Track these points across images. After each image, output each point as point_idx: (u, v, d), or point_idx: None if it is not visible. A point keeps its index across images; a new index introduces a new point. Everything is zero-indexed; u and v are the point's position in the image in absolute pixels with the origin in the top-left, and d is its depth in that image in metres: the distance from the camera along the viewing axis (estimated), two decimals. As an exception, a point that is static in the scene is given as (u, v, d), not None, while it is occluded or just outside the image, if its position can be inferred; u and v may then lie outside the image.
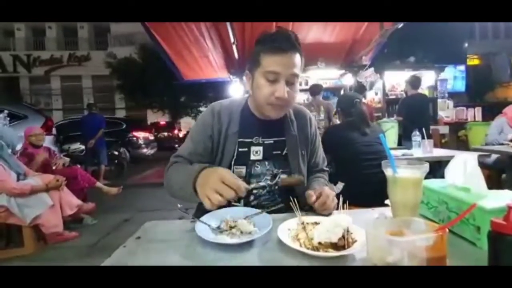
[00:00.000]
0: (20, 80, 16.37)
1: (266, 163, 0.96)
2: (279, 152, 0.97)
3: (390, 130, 2.99)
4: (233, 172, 0.93)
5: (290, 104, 0.92)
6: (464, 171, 0.68)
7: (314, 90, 3.84)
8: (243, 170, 0.94)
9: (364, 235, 0.57)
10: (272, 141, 0.97)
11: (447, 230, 0.47)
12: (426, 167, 0.60)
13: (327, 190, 0.83)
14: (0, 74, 16.05)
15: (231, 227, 0.72)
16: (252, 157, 0.95)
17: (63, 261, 2.23)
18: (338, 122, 2.88)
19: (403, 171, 0.62)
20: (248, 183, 0.94)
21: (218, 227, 0.73)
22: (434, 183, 0.74)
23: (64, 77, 16.60)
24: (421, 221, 0.53)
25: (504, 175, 2.59)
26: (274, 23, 4.17)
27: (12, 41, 16.51)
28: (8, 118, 3.27)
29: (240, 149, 0.94)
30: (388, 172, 0.63)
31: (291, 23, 4.14)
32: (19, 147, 2.94)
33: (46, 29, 16.77)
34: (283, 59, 0.83)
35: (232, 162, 0.93)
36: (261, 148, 0.95)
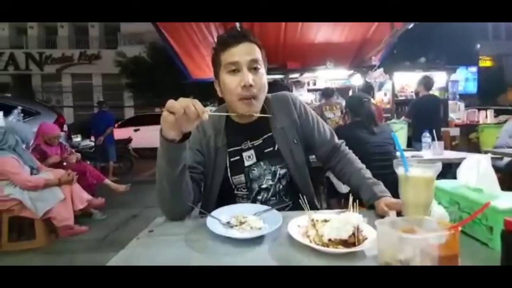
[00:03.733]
0: (32, 78, 16.71)
1: (262, 163, 0.95)
2: (271, 148, 0.96)
3: (399, 131, 2.96)
4: (232, 182, 0.95)
5: (259, 94, 0.88)
6: (477, 172, 0.67)
7: (327, 92, 3.99)
8: (242, 178, 0.95)
9: (375, 233, 0.57)
10: (261, 141, 0.96)
11: (459, 228, 0.47)
12: (438, 166, 0.60)
13: (390, 200, 0.80)
14: (13, 71, 16.40)
15: (241, 223, 0.72)
16: (247, 163, 0.95)
17: (73, 254, 2.28)
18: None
19: (415, 170, 0.62)
20: (251, 190, 0.95)
21: (228, 223, 0.74)
22: (445, 184, 0.73)
23: (75, 75, 16.87)
24: (433, 220, 0.53)
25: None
26: (283, 23, 4.19)
27: (25, 39, 16.85)
28: (22, 114, 3.35)
29: (232, 159, 0.95)
30: (400, 171, 0.63)
31: (300, 23, 4.14)
32: (33, 142, 3.01)
33: (58, 28, 17.06)
34: (238, 48, 0.85)
35: (229, 174, 0.94)
36: (252, 151, 0.96)
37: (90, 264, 2.05)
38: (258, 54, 0.88)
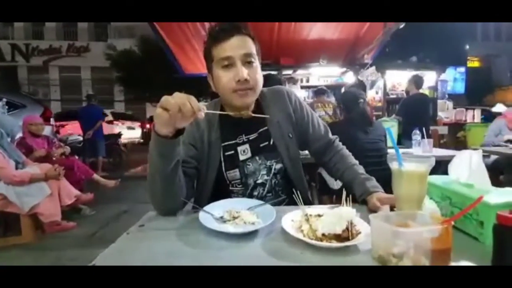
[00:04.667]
0: (18, 69, 16.19)
1: (257, 158, 0.93)
2: (267, 143, 0.94)
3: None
4: (226, 177, 0.92)
5: (255, 87, 0.86)
6: (468, 167, 0.68)
7: (319, 91, 4.03)
8: (236, 173, 0.92)
9: (368, 228, 0.57)
10: (256, 135, 0.94)
11: (452, 222, 0.48)
12: (432, 160, 0.60)
13: (382, 195, 0.80)
14: (-2, 63, 15.88)
15: (234, 217, 0.72)
16: (241, 157, 0.92)
17: (61, 250, 2.23)
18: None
19: (409, 164, 0.62)
20: (246, 185, 0.93)
21: (221, 217, 0.73)
22: (437, 179, 0.74)
23: (62, 68, 16.42)
24: (426, 214, 0.54)
25: (502, 176, 2.61)
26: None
27: (11, 30, 16.28)
28: (7, 107, 3.25)
29: (226, 153, 0.92)
30: (393, 165, 0.63)
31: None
32: (18, 135, 2.92)
33: (45, 19, 16.58)
34: (231, 42, 0.82)
35: (223, 169, 0.92)
36: (247, 145, 0.93)
37: (79, 260, 2.01)
38: (251, 47, 0.85)
